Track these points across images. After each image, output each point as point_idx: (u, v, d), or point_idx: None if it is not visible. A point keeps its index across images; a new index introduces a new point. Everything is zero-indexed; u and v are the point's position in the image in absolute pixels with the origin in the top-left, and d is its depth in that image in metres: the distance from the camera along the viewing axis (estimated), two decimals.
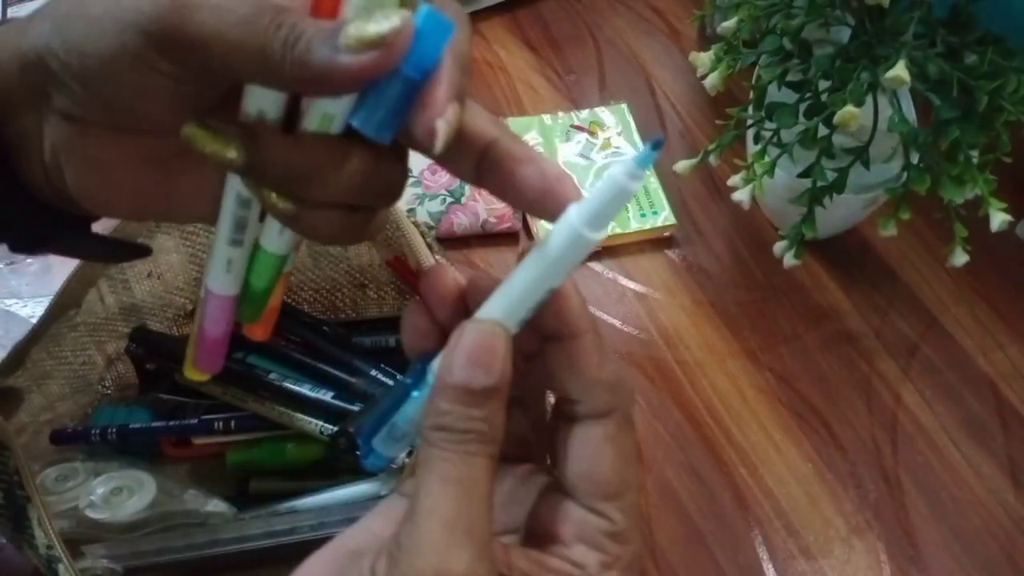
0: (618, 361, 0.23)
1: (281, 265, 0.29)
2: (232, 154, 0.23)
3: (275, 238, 0.28)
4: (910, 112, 0.55)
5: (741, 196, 0.56)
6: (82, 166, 0.26)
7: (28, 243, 0.29)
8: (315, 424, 0.47)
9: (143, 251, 0.35)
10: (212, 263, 0.28)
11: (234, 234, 0.27)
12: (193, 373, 0.32)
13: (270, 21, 0.21)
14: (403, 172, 0.26)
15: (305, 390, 0.48)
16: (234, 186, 0.27)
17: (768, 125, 0.55)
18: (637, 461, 0.23)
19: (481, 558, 0.22)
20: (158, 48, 0.22)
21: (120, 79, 0.23)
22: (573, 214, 0.23)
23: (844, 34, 0.56)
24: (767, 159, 0.55)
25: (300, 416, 0.48)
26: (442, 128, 0.22)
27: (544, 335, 0.25)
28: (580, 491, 0.25)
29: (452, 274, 0.26)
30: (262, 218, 0.28)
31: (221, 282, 0.28)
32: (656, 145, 0.22)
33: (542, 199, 0.24)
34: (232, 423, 0.49)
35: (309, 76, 0.21)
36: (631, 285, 0.65)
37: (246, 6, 0.22)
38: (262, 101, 0.24)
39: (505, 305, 0.24)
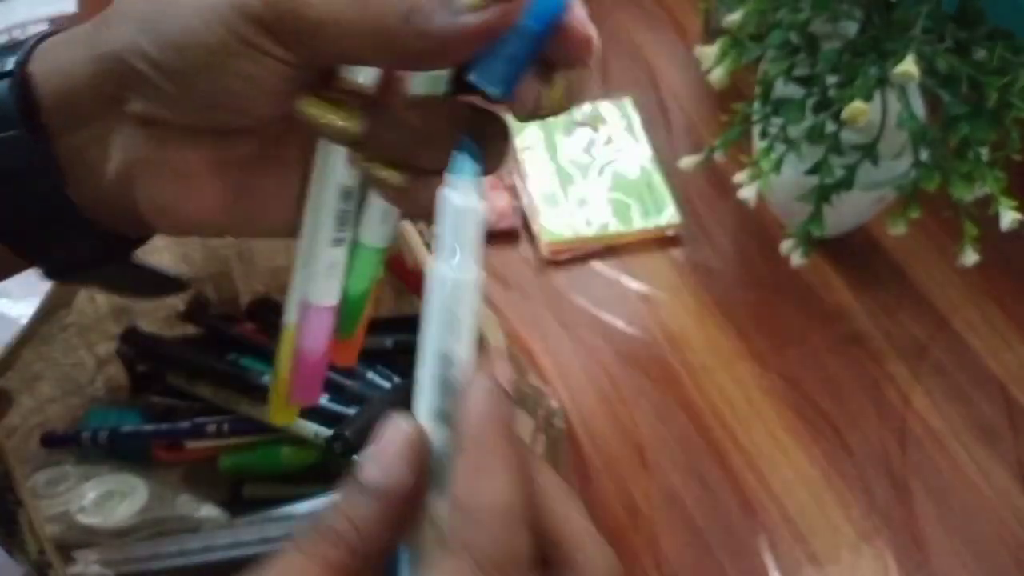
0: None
1: (381, 261, 0.27)
2: (353, 124, 0.23)
3: (376, 228, 0.26)
4: (919, 108, 0.54)
5: (747, 194, 0.55)
6: (159, 177, 0.25)
7: (66, 269, 0.28)
8: (310, 428, 0.46)
9: (180, 286, 0.33)
10: (309, 274, 0.27)
11: (336, 232, 0.26)
12: (284, 415, 0.30)
13: None
14: (508, 130, 0.25)
15: None
16: (334, 179, 0.25)
17: (775, 121, 0.55)
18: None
19: None
20: (272, 34, 0.22)
21: (229, 69, 0.22)
22: (433, 263, 0.22)
23: (852, 28, 0.55)
24: (774, 156, 0.54)
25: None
26: (596, 38, 0.23)
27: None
28: None
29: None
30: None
31: (324, 291, 0.27)
32: (462, 147, 0.21)
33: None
34: (225, 426, 0.48)
35: (431, 47, 0.21)
36: (634, 285, 0.64)
37: None
38: (360, 73, 0.24)
39: (417, 394, 0.22)
